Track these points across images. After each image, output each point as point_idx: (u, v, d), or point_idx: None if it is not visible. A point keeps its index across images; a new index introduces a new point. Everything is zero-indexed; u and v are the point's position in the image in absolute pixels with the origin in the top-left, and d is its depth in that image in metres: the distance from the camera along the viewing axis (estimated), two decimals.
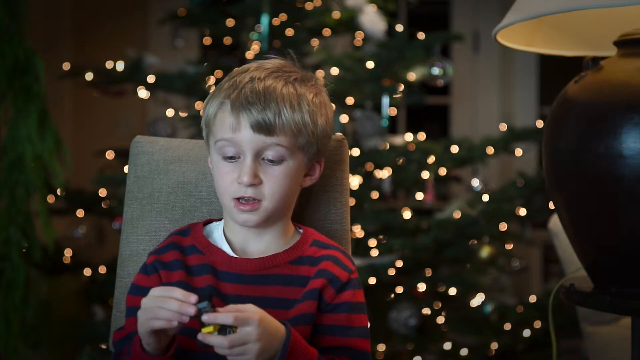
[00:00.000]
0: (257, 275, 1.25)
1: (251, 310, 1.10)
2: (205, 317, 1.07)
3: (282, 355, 1.12)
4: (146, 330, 1.11)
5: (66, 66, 3.16)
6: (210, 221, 1.35)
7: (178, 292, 1.09)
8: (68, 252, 3.25)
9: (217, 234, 1.31)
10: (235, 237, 1.29)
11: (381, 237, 2.90)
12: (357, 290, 1.27)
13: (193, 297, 1.08)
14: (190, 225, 1.32)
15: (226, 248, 1.28)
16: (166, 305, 1.08)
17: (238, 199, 1.23)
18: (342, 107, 3.00)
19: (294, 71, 1.28)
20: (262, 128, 1.21)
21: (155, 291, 1.12)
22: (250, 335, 1.09)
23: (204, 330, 1.08)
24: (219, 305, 1.10)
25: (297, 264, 1.27)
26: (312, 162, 1.30)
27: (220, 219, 1.34)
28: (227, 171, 1.24)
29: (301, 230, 1.33)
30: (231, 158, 1.24)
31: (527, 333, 3.02)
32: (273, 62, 1.29)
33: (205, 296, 1.09)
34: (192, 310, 1.07)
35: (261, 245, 1.29)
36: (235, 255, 1.27)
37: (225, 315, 1.08)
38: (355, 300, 1.26)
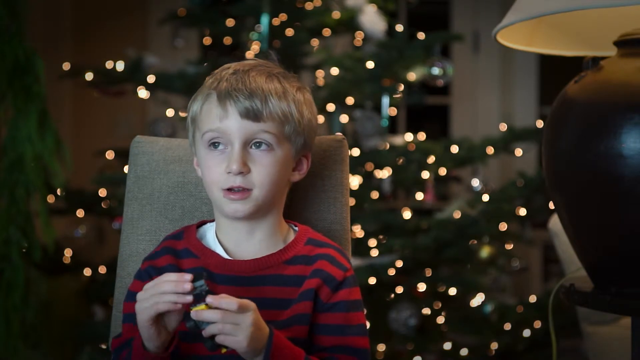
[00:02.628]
0: (252, 277, 1.24)
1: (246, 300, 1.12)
2: (209, 299, 1.08)
3: (268, 349, 1.12)
4: (148, 319, 1.11)
5: (66, 66, 3.16)
6: (204, 222, 1.34)
7: (172, 275, 1.11)
8: (68, 252, 3.25)
9: (210, 235, 1.31)
10: (227, 238, 1.29)
11: (381, 237, 2.90)
12: (353, 288, 1.27)
13: (188, 276, 1.09)
14: (184, 229, 1.32)
15: (220, 250, 1.27)
16: (162, 288, 1.10)
17: (228, 189, 1.23)
18: (342, 107, 3.00)
19: (275, 67, 1.29)
20: (250, 114, 1.21)
21: (149, 284, 1.13)
22: (244, 317, 1.09)
23: (196, 308, 1.08)
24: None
25: (292, 264, 1.26)
26: (299, 156, 1.30)
27: (213, 220, 1.33)
28: (215, 163, 1.24)
29: (296, 228, 1.32)
30: (218, 146, 1.24)
31: (527, 333, 3.02)
32: (254, 60, 1.30)
33: (200, 275, 1.10)
34: (187, 287, 1.08)
35: (254, 245, 1.28)
36: (229, 258, 1.27)
37: (228, 301, 1.09)
38: (352, 298, 1.26)
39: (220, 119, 1.22)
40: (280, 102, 1.23)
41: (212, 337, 1.09)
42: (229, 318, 1.08)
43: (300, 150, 1.29)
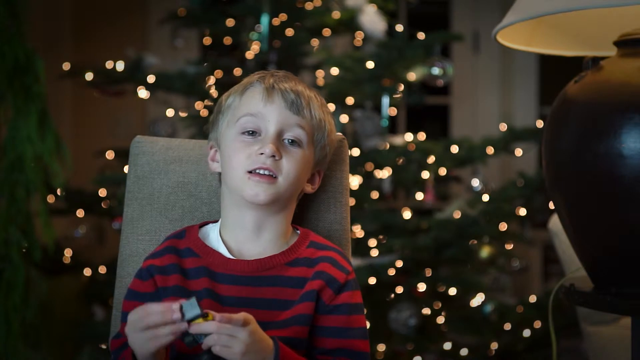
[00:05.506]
0: (254, 277, 1.25)
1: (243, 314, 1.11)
2: (192, 329, 1.08)
3: None
4: (149, 355, 1.10)
5: (66, 66, 3.16)
6: (206, 223, 1.35)
7: (155, 306, 1.09)
8: (68, 252, 3.25)
9: (213, 235, 1.31)
10: (232, 238, 1.29)
11: (381, 237, 2.90)
12: (355, 291, 1.28)
13: (175, 305, 1.08)
14: (186, 228, 1.32)
15: (223, 250, 1.28)
16: (152, 322, 1.08)
17: (253, 170, 1.24)
18: (342, 107, 3.00)
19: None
20: (293, 107, 1.26)
21: (132, 315, 1.11)
22: (240, 329, 1.09)
23: (193, 322, 1.08)
24: (212, 308, 1.11)
25: (294, 266, 1.26)
26: (315, 169, 1.34)
27: (216, 221, 1.34)
28: (245, 145, 1.26)
29: (298, 232, 1.33)
30: (251, 134, 1.26)
31: (527, 333, 3.02)
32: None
33: (195, 304, 1.08)
34: (177, 316, 1.07)
35: (258, 246, 1.28)
36: (232, 257, 1.27)
37: (209, 323, 1.08)
38: (354, 301, 1.27)
39: (264, 104, 1.26)
40: (319, 110, 1.30)
41: (209, 349, 1.09)
42: (225, 329, 1.08)
43: (319, 163, 1.33)
